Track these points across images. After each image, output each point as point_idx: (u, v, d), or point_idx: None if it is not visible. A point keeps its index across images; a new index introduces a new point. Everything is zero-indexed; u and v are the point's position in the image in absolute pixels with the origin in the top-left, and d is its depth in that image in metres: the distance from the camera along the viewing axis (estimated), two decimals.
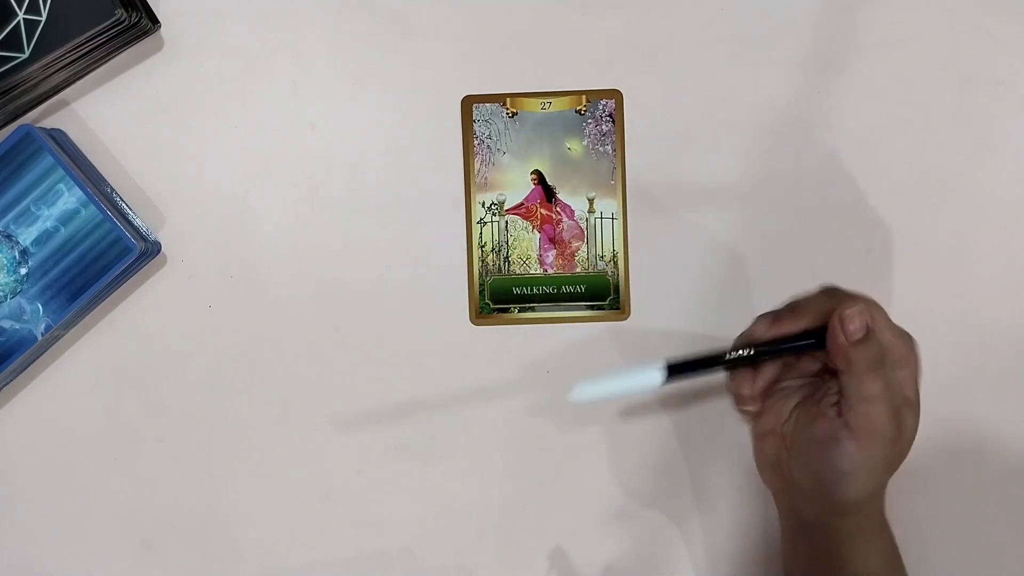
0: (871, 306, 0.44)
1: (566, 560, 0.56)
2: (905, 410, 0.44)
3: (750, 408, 0.47)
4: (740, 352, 0.44)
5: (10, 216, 0.52)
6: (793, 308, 0.45)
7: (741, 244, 0.55)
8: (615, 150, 0.55)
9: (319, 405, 0.56)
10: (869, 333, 0.42)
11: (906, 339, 0.44)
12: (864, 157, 0.55)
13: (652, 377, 0.44)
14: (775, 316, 0.45)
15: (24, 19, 0.51)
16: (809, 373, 0.47)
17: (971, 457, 0.55)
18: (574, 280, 0.56)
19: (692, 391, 0.56)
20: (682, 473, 0.56)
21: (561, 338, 0.56)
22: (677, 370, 0.45)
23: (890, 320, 0.44)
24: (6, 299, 0.53)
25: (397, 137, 0.56)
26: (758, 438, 0.48)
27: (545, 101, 0.55)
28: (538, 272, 0.56)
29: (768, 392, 0.47)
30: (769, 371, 0.47)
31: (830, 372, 0.45)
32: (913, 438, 0.45)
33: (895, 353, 0.44)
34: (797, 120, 0.55)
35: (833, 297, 0.45)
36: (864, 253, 0.55)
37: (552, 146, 0.56)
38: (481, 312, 0.56)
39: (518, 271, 0.56)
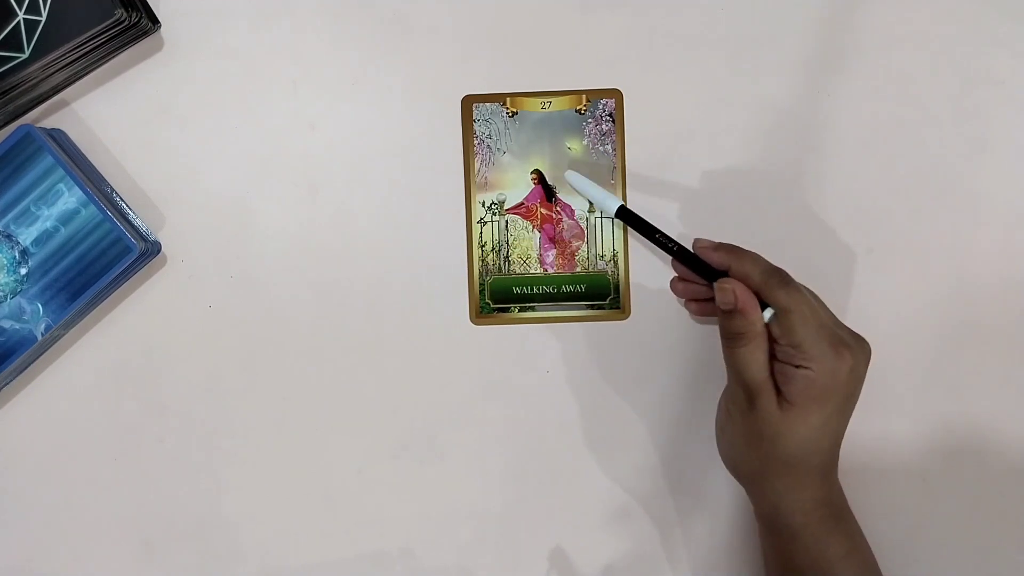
0: (799, 302, 0.45)
1: (566, 560, 0.56)
2: (767, 398, 0.45)
3: (678, 295, 0.54)
4: (668, 242, 0.51)
5: (10, 216, 0.52)
6: (730, 250, 0.49)
7: (740, 244, 0.55)
8: (615, 150, 0.55)
9: (319, 405, 0.56)
10: (733, 312, 0.46)
11: (834, 347, 0.45)
12: (864, 157, 0.55)
13: (610, 206, 0.53)
14: (718, 244, 0.49)
15: (24, 19, 0.51)
16: None
17: (971, 457, 0.55)
18: (574, 280, 0.56)
19: (692, 390, 0.56)
20: (682, 473, 0.56)
21: (561, 338, 0.56)
22: (625, 216, 0.52)
23: (821, 322, 0.45)
24: (6, 299, 0.53)
25: (397, 137, 0.56)
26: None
27: (545, 101, 0.55)
28: (538, 272, 0.56)
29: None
30: (703, 291, 0.52)
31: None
32: (773, 437, 0.45)
33: (797, 356, 0.45)
34: (797, 120, 0.55)
35: (765, 273, 0.47)
36: (864, 253, 0.55)
37: (552, 146, 0.56)
38: (481, 312, 0.56)
39: (518, 271, 0.56)
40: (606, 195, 0.53)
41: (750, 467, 0.47)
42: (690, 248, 0.50)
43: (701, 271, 0.50)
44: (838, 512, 0.48)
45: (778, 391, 0.45)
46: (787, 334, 0.45)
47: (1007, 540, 0.55)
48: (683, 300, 0.55)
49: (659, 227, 0.51)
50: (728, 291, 0.46)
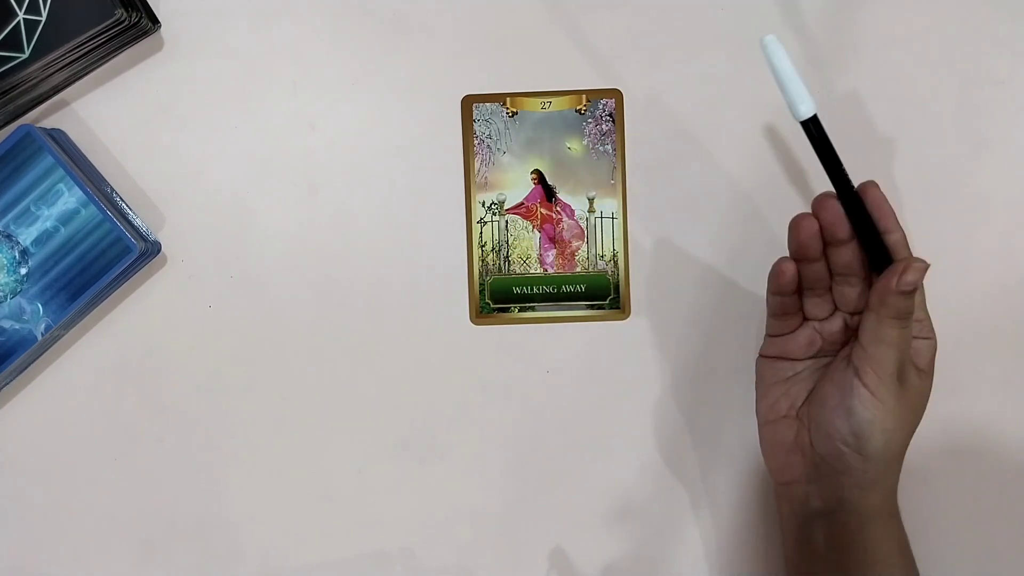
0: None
1: (566, 560, 0.56)
2: (911, 371, 0.46)
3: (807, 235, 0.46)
4: (845, 180, 0.45)
5: (10, 216, 0.52)
6: (891, 214, 0.46)
7: (741, 244, 0.55)
8: (615, 150, 0.55)
9: (319, 405, 0.56)
10: (914, 292, 0.44)
11: (930, 324, 0.48)
12: (864, 157, 0.55)
13: (801, 110, 0.44)
14: (886, 205, 0.46)
15: (24, 19, 0.51)
16: (833, 340, 0.48)
17: (971, 457, 0.55)
18: (574, 280, 0.56)
19: (692, 390, 0.56)
20: (682, 473, 0.56)
21: (561, 338, 0.56)
22: (814, 126, 0.45)
23: (924, 304, 0.47)
24: (6, 299, 0.53)
25: (397, 137, 0.56)
26: (769, 426, 0.49)
27: (545, 101, 0.55)
28: (538, 272, 0.56)
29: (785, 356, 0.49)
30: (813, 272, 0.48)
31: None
32: (920, 407, 0.47)
33: (925, 328, 0.47)
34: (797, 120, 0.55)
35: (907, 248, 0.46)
36: None
37: (552, 146, 0.56)
38: (481, 312, 0.56)
39: (518, 271, 0.56)
40: (802, 94, 0.44)
41: (893, 452, 0.47)
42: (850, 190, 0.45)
43: (862, 229, 0.45)
44: (895, 503, 0.49)
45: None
46: (920, 308, 0.47)
47: (1007, 540, 0.55)
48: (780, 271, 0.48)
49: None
50: (922, 272, 0.44)
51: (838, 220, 0.46)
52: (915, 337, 0.47)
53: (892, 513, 0.48)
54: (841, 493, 0.47)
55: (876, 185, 0.46)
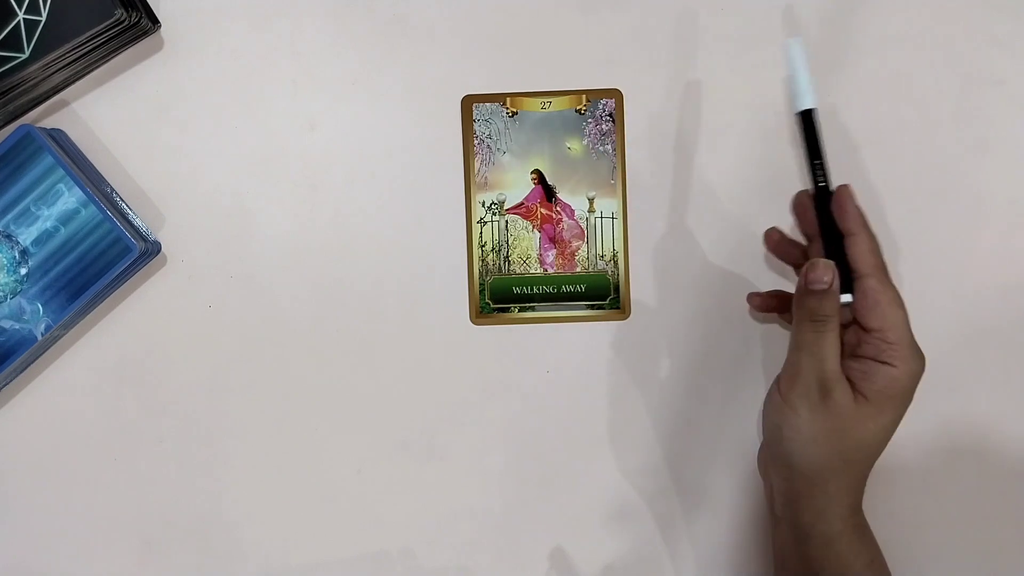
0: (901, 299, 0.44)
1: (566, 560, 0.56)
2: (841, 388, 0.43)
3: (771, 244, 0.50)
4: (819, 175, 0.47)
5: (10, 216, 0.52)
6: (861, 221, 0.45)
7: (741, 244, 0.55)
8: (615, 150, 0.55)
9: (319, 405, 0.56)
10: (827, 292, 0.43)
11: (916, 349, 0.44)
12: (864, 157, 0.55)
13: (798, 103, 0.47)
14: (851, 206, 0.46)
15: (24, 19, 0.51)
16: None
17: (971, 457, 0.55)
18: (574, 280, 0.56)
19: (692, 390, 0.56)
20: (682, 473, 0.56)
21: (561, 338, 0.56)
22: (804, 124, 0.47)
23: (908, 327, 0.44)
24: (6, 299, 0.53)
25: (397, 137, 0.56)
26: (762, 448, 0.50)
27: (545, 101, 0.55)
28: (538, 272, 0.56)
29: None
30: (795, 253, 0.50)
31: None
32: (849, 430, 0.43)
33: (889, 353, 0.43)
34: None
35: (878, 263, 0.44)
36: None
37: (552, 146, 0.56)
38: (481, 312, 0.56)
39: (518, 271, 0.56)
40: (806, 88, 0.47)
41: (810, 467, 0.44)
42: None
43: (823, 222, 0.46)
44: (864, 520, 0.46)
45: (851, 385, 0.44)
46: (890, 329, 0.43)
47: (1007, 540, 0.55)
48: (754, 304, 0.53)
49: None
50: (829, 269, 0.43)
51: (804, 218, 0.48)
52: (864, 356, 0.44)
53: (855, 535, 0.46)
54: (800, 519, 0.46)
55: (847, 187, 0.46)
